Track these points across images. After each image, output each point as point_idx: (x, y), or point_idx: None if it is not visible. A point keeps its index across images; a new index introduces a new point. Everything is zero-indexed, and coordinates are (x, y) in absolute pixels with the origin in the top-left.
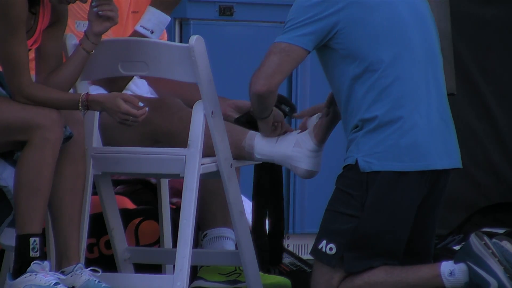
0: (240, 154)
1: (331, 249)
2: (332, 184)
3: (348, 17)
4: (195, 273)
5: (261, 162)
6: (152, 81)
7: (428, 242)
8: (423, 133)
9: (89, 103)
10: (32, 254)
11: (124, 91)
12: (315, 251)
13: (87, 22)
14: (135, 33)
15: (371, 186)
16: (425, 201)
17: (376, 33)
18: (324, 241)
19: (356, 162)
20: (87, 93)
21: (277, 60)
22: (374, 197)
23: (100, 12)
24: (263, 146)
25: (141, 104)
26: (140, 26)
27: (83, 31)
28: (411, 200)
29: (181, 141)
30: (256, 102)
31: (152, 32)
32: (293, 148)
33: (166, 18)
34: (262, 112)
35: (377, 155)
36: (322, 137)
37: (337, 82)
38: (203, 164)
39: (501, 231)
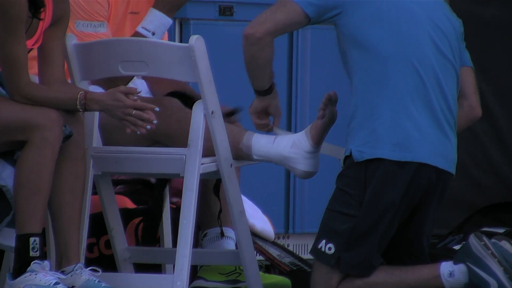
0: (239, 155)
1: (330, 248)
2: (332, 183)
3: (355, 1)
4: (195, 272)
5: (260, 162)
6: (151, 83)
7: (424, 244)
8: (418, 128)
9: (87, 102)
10: (32, 253)
11: None
12: (315, 250)
13: (87, 22)
14: (136, 34)
15: (369, 184)
16: (423, 200)
17: (381, 20)
18: (324, 241)
19: (351, 153)
20: (85, 91)
21: (272, 9)
22: (371, 195)
23: (133, 112)
24: (261, 147)
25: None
26: (142, 27)
27: (83, 31)
28: (406, 195)
29: (179, 142)
30: (244, 49)
31: (153, 34)
32: (290, 149)
33: (168, 21)
34: (254, 75)
35: (369, 143)
36: (318, 139)
37: (346, 65)
38: (203, 164)
39: (501, 230)
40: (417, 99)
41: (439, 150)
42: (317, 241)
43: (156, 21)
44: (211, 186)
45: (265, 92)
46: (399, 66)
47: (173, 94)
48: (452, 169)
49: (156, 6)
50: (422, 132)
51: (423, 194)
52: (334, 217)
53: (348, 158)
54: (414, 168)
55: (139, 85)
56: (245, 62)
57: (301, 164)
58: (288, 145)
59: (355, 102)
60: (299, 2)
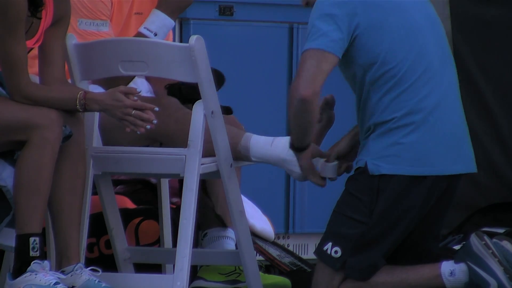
0: (237, 156)
1: (336, 252)
2: (332, 184)
3: (366, 22)
4: (195, 272)
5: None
6: (153, 82)
7: (432, 244)
8: (435, 138)
9: (87, 102)
10: (32, 253)
11: None
12: (320, 252)
13: (89, 20)
14: (139, 35)
15: (382, 193)
16: (435, 204)
17: (392, 38)
18: (330, 243)
19: (366, 165)
20: (85, 91)
21: (315, 63)
22: (384, 204)
23: (133, 111)
24: (259, 149)
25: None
26: (144, 27)
27: (85, 29)
28: (420, 206)
29: (179, 142)
30: (301, 110)
31: (155, 35)
32: (287, 152)
33: (171, 22)
34: (305, 134)
35: (386, 158)
36: (315, 142)
37: (355, 86)
38: (203, 164)
39: (501, 230)
40: (434, 110)
41: (458, 156)
42: (323, 243)
43: (158, 22)
44: (211, 186)
45: (302, 149)
46: (414, 81)
47: (171, 87)
48: (471, 168)
49: (160, 7)
50: (441, 142)
51: (437, 200)
52: (343, 221)
53: (361, 167)
54: (432, 181)
55: (139, 85)
56: (293, 121)
57: (298, 167)
58: (286, 148)
59: (373, 120)
60: (330, 49)
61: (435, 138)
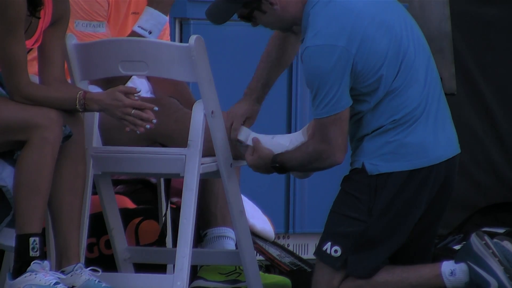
0: (237, 154)
1: (336, 251)
2: (331, 183)
3: (362, 56)
4: (195, 272)
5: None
6: (154, 82)
7: (429, 240)
8: (427, 129)
9: (87, 102)
10: (32, 253)
11: None
12: (320, 252)
13: (86, 22)
14: (133, 34)
15: (381, 190)
16: (434, 199)
17: (383, 58)
18: (329, 243)
19: (363, 165)
20: (85, 91)
21: (338, 129)
22: (383, 202)
23: (132, 111)
24: None
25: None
26: (138, 26)
27: (82, 30)
28: (421, 198)
29: (178, 142)
30: (326, 167)
31: (150, 33)
32: (287, 150)
33: (164, 19)
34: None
35: (383, 156)
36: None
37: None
38: (203, 163)
39: (501, 230)
40: (422, 103)
41: (445, 140)
42: (322, 243)
43: (152, 20)
44: (211, 187)
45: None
46: (401, 84)
47: None
48: (458, 148)
49: (151, 4)
50: (432, 132)
51: (437, 192)
52: (341, 220)
53: (357, 168)
54: (430, 171)
55: (139, 85)
56: (307, 167)
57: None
58: (285, 145)
59: (366, 131)
60: (344, 107)
61: (426, 130)
